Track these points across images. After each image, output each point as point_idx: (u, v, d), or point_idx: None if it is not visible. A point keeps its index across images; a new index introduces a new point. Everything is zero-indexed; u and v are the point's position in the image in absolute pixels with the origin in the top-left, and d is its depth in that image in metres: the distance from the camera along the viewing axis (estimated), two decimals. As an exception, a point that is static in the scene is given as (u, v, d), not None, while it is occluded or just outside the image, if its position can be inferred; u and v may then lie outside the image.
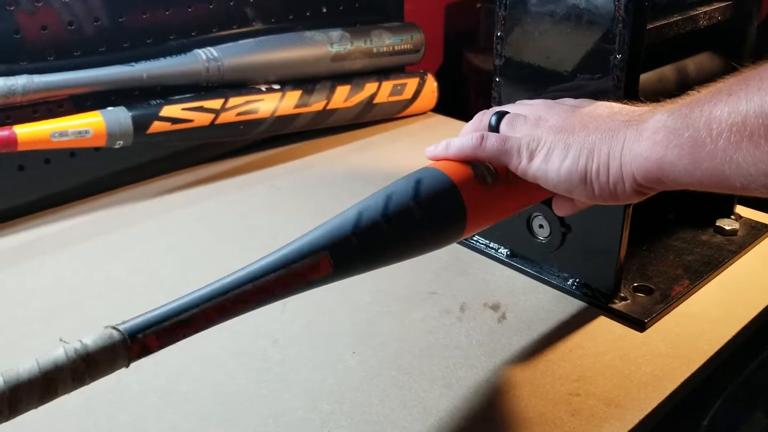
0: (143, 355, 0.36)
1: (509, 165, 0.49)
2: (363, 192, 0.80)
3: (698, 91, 0.41)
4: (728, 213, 0.73)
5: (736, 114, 0.36)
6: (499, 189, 0.50)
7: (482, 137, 0.50)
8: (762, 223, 0.73)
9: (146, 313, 0.38)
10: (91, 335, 0.35)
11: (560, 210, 0.53)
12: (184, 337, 0.38)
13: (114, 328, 0.36)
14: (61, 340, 0.34)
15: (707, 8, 0.62)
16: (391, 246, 0.44)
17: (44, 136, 0.72)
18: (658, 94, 0.61)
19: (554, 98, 0.54)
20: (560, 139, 0.47)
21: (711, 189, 0.40)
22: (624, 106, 0.48)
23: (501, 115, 0.52)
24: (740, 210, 0.75)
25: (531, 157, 0.48)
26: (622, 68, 0.54)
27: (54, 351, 0.34)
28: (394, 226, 0.44)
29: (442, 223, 0.47)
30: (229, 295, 0.39)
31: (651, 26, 0.56)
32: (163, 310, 0.38)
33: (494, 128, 0.52)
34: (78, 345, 0.34)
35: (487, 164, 0.50)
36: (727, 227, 0.71)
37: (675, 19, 0.59)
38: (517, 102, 0.56)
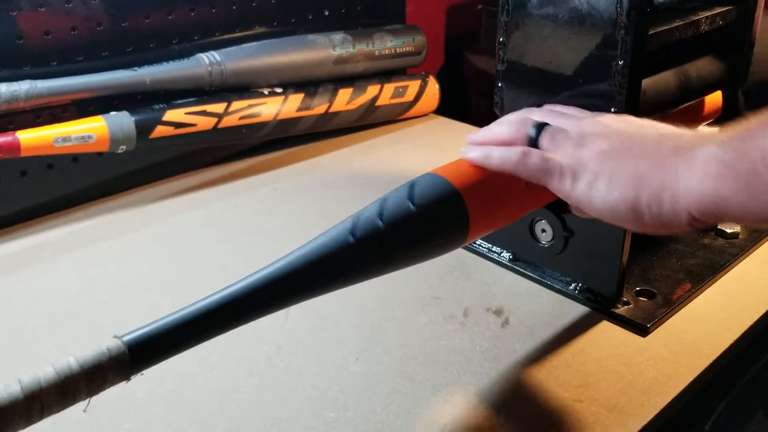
0: (145, 367, 0.36)
1: (549, 185, 0.48)
2: (366, 194, 0.80)
3: (747, 121, 0.39)
4: (730, 216, 0.73)
5: None
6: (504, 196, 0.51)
7: (525, 153, 0.48)
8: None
9: (148, 324, 0.38)
10: (89, 349, 0.35)
11: (580, 212, 0.52)
12: (187, 348, 0.38)
13: (118, 338, 0.36)
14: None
15: (709, 13, 0.62)
16: (393, 254, 0.45)
17: (47, 142, 0.72)
18: (660, 99, 0.62)
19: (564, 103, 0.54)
20: (606, 165, 0.45)
21: None
22: (667, 126, 0.46)
23: (541, 127, 0.51)
24: (742, 213, 0.75)
25: (574, 181, 0.46)
26: (625, 74, 0.54)
27: (47, 367, 0.34)
28: (396, 236, 0.45)
29: (445, 230, 0.48)
30: (229, 307, 0.39)
31: (653, 32, 0.56)
32: (165, 321, 0.38)
33: (534, 141, 0.51)
34: (73, 360, 0.34)
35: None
36: (728, 230, 0.71)
37: (677, 24, 0.59)
38: (547, 107, 0.56)
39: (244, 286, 0.41)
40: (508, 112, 0.63)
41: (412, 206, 0.46)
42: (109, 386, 0.36)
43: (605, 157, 0.46)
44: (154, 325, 0.38)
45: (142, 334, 0.38)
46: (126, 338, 0.37)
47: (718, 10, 0.63)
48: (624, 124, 0.49)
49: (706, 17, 0.62)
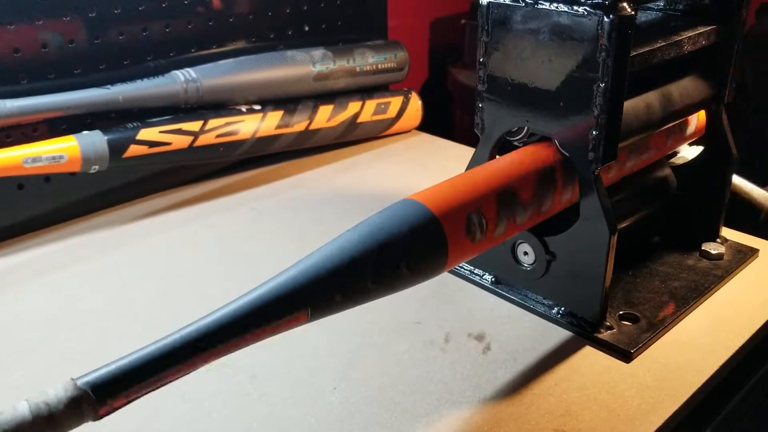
0: (110, 412, 0.35)
1: None
2: (347, 213, 0.79)
3: None
4: (714, 236, 0.72)
5: None
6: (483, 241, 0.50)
7: None
8: (748, 247, 0.72)
9: (115, 362, 0.36)
10: (51, 392, 0.33)
11: None
12: (155, 388, 0.37)
13: (78, 385, 0.34)
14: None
15: (691, 33, 0.61)
16: (369, 287, 0.43)
17: (16, 163, 0.70)
18: (643, 120, 0.61)
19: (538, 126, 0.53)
20: None
21: None
22: None
23: None
24: (726, 233, 0.74)
25: None
26: (606, 96, 0.53)
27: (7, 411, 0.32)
28: (373, 267, 0.43)
29: (424, 261, 0.46)
30: (200, 345, 0.37)
31: (635, 53, 0.55)
32: (132, 359, 0.36)
33: None
34: (36, 404, 0.32)
35: (482, 219, 0.49)
36: (713, 251, 0.70)
37: (659, 45, 0.58)
38: None
39: (220, 317, 0.40)
40: (489, 133, 0.62)
41: (387, 236, 0.44)
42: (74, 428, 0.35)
43: None
44: (120, 364, 0.36)
45: (107, 373, 0.36)
46: (87, 379, 0.35)
47: (701, 29, 0.63)
48: None
49: (689, 37, 0.61)
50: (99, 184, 0.83)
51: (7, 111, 0.71)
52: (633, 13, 0.51)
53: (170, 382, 0.37)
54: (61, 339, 0.62)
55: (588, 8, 0.52)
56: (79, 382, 0.34)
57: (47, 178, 0.79)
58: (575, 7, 0.52)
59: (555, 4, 0.54)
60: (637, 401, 0.53)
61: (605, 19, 0.51)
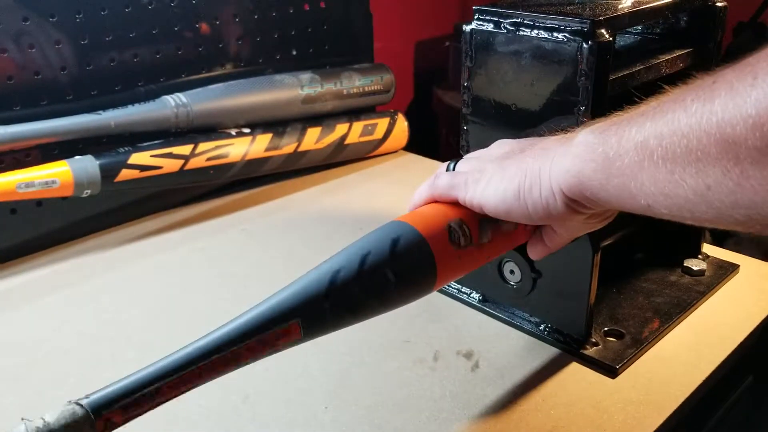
0: (109, 430, 0.35)
1: (459, 199, 0.50)
2: (335, 234, 0.80)
3: (626, 112, 0.41)
4: (696, 253, 0.74)
5: (641, 134, 0.37)
6: (470, 250, 0.50)
7: (436, 176, 0.51)
8: (728, 263, 0.74)
9: (111, 385, 0.37)
10: (52, 413, 0.34)
11: (533, 253, 0.53)
12: (150, 409, 0.37)
13: (78, 404, 0.35)
14: (23, 419, 0.33)
15: (669, 56, 0.63)
16: (362, 308, 0.44)
17: (10, 188, 0.71)
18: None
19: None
20: (500, 165, 0.48)
21: (624, 207, 0.41)
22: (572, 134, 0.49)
23: (458, 160, 0.54)
24: (707, 249, 0.76)
25: (476, 185, 0.49)
26: (586, 119, 0.54)
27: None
28: (367, 289, 0.44)
29: (413, 280, 0.47)
30: (194, 366, 0.38)
31: (614, 77, 0.57)
32: (128, 381, 0.37)
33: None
34: (40, 424, 0.33)
35: (463, 226, 0.50)
36: (694, 268, 0.72)
37: (638, 68, 0.60)
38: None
39: (214, 339, 0.41)
40: (474, 155, 0.64)
41: (382, 260, 0.45)
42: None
43: (502, 159, 0.50)
44: (118, 386, 0.37)
45: (106, 394, 0.37)
46: (88, 400, 0.36)
47: (678, 52, 0.65)
48: (529, 140, 0.51)
49: (666, 60, 0.63)
50: (90, 208, 0.84)
51: (0, 137, 0.71)
52: (611, 39, 0.53)
53: (164, 402, 0.38)
54: (53, 362, 0.63)
55: (567, 35, 0.54)
56: (85, 403, 0.34)
57: (39, 202, 0.80)
58: (555, 34, 0.54)
59: (536, 31, 0.56)
60: (622, 416, 0.55)
61: (584, 45, 0.53)
